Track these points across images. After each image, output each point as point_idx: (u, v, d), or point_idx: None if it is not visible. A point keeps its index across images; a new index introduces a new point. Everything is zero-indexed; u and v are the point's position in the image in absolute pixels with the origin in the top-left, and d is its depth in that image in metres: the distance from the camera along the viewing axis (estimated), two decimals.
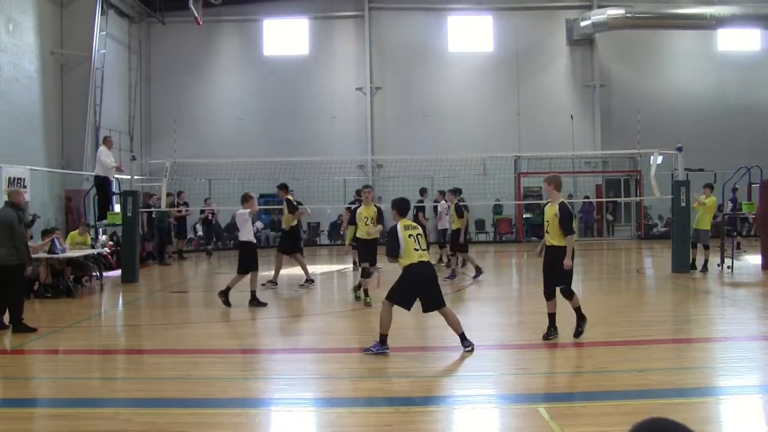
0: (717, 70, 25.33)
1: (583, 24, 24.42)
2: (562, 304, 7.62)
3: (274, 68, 24.76)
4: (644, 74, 25.21)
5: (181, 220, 19.12)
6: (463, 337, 7.10)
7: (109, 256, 15.37)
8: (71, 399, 5.88)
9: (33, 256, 10.51)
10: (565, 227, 7.44)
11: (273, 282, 12.66)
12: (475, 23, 25.41)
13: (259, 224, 21.40)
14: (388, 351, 7.01)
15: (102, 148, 15.10)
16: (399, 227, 7.16)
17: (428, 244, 9.34)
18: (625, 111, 23.11)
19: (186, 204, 19.35)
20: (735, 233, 16.64)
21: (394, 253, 7.11)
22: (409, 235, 7.09)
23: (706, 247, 13.81)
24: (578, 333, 7.60)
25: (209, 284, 14.28)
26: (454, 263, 14.39)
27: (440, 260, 15.89)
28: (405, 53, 24.98)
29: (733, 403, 5.50)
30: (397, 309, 7.08)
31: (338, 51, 25.20)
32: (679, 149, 14.31)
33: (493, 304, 11.22)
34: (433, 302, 7.13)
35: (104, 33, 20.17)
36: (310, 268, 13.06)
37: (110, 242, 16.56)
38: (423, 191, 16.86)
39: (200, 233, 22.06)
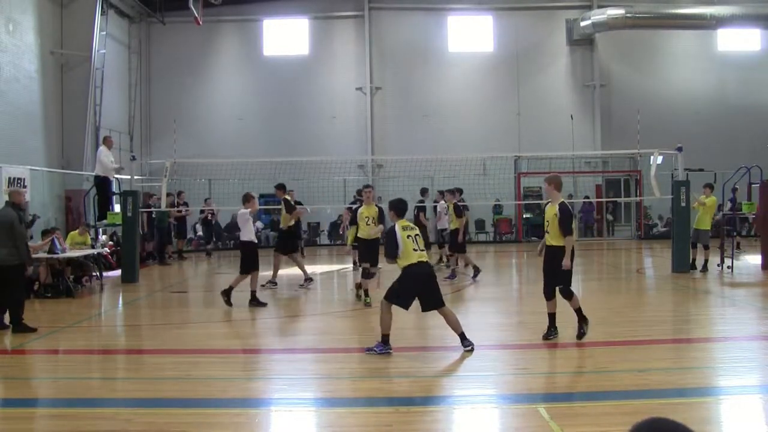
0: (717, 70, 25.33)
1: (583, 24, 24.41)
2: (563, 304, 7.62)
3: (274, 68, 24.74)
4: (644, 74, 25.21)
5: (181, 220, 19.13)
6: (462, 336, 7.11)
7: (109, 256, 15.37)
8: (71, 399, 5.89)
9: (33, 256, 10.52)
10: (564, 228, 7.44)
11: (273, 282, 12.65)
12: (475, 23, 25.40)
13: (259, 224, 21.37)
14: (391, 351, 7.02)
15: (102, 148, 15.13)
16: (397, 228, 7.16)
17: (428, 244, 9.33)
18: (625, 111, 23.12)
19: (186, 204, 19.35)
20: (735, 233, 16.63)
21: (392, 254, 7.12)
22: (408, 236, 7.10)
23: (706, 247, 13.81)
24: (581, 335, 7.58)
25: (209, 284, 14.29)
26: (454, 263, 14.35)
27: (440, 260, 15.88)
28: (405, 53, 24.98)
29: (733, 403, 5.50)
30: (397, 309, 7.09)
31: (338, 51, 25.19)
32: (679, 149, 14.32)
33: (493, 304, 11.22)
34: (432, 302, 7.14)
35: (104, 33, 20.16)
36: (310, 268, 13.05)
37: (110, 242, 16.56)
38: (424, 191, 16.83)
39: (200, 233, 22.06)
